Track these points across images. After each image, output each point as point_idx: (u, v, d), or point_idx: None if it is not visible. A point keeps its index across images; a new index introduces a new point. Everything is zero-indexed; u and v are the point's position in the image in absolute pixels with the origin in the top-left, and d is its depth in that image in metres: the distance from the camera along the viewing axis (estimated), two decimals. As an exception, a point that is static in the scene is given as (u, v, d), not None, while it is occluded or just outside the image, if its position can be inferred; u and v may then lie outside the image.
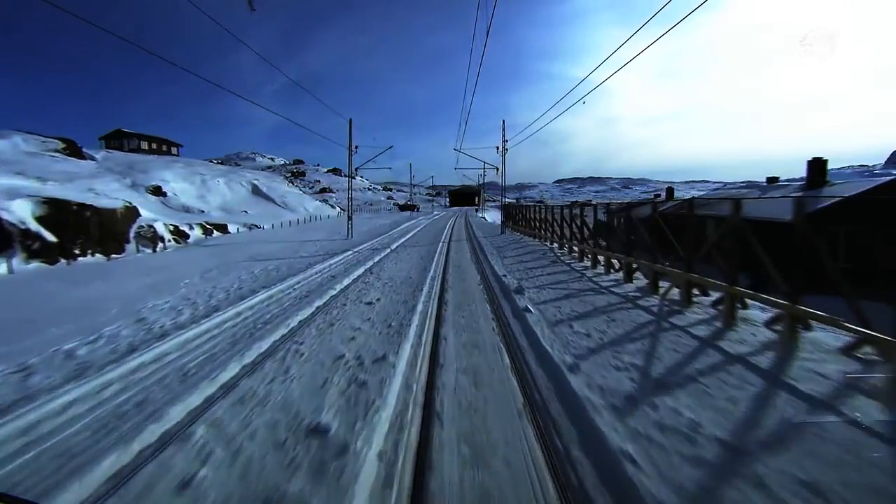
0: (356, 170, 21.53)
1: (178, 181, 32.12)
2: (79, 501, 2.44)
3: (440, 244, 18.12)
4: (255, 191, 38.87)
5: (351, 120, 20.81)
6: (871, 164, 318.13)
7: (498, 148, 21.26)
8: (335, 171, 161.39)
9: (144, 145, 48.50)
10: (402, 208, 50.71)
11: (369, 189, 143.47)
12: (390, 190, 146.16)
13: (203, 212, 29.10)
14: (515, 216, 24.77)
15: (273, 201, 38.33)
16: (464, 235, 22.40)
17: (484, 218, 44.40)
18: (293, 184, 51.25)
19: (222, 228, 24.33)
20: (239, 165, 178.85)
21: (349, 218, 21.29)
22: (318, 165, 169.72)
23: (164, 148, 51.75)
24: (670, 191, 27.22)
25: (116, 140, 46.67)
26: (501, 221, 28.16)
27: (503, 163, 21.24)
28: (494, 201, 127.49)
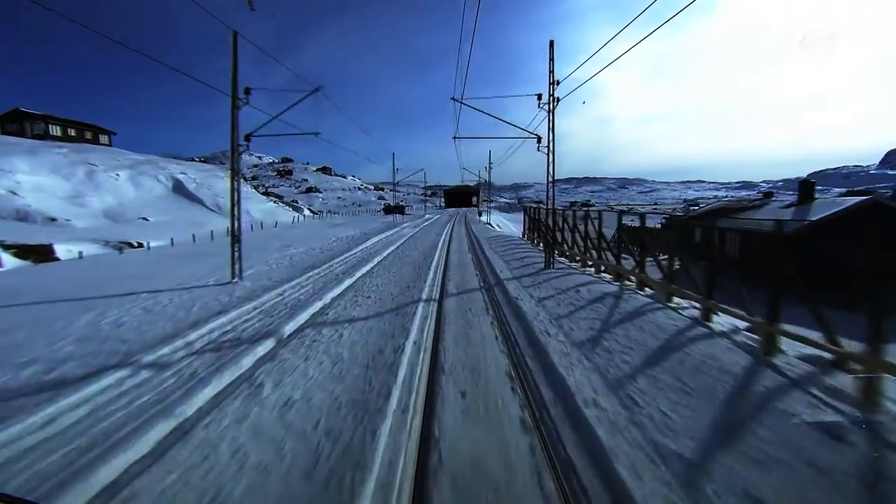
0: (242, 147, 10.32)
1: (42, 174, 21.03)
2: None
3: (417, 316, 7.00)
4: (178, 189, 27.75)
5: (236, 34, 9.77)
6: (865, 165, 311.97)
7: (539, 98, 10.27)
8: (324, 170, 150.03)
9: (56, 130, 37.08)
10: (387, 211, 39.54)
11: (360, 189, 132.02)
12: (382, 190, 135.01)
13: (55, 220, 18.02)
14: (554, 230, 13.61)
15: (201, 203, 27.25)
16: (473, 277, 11.32)
17: (489, 224, 33.14)
18: (249, 182, 39.82)
19: (39, 253, 13.20)
20: (224, 164, 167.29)
21: (233, 238, 10.10)
22: (308, 164, 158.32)
23: (88, 135, 40.30)
24: (807, 186, 16.09)
25: (15, 123, 35.26)
26: (543, 245, 17.18)
27: (551, 126, 10.15)
28: (492, 202, 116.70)
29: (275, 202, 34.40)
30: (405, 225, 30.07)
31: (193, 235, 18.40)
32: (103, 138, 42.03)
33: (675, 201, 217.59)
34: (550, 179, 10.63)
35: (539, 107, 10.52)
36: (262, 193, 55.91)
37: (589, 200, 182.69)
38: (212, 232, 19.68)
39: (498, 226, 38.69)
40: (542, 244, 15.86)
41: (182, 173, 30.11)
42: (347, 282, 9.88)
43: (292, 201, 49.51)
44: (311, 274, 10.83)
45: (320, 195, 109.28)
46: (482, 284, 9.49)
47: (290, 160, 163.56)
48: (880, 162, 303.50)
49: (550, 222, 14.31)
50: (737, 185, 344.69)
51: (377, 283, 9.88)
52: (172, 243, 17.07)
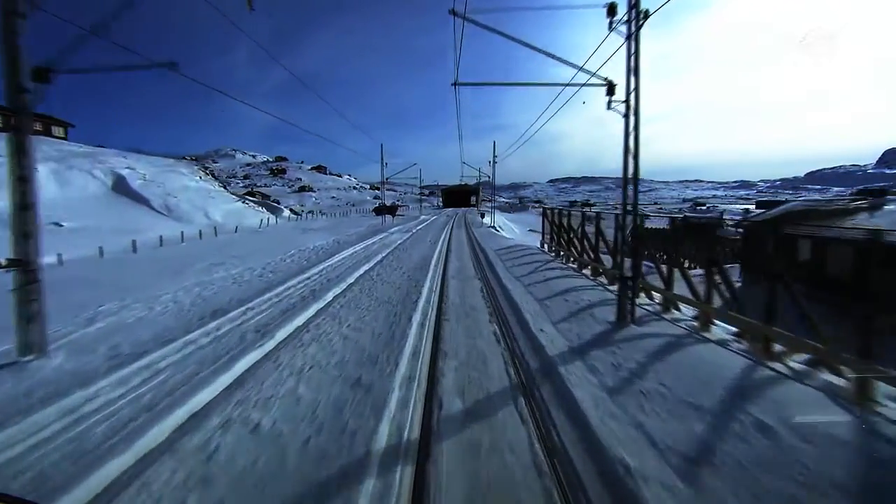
0: (29, 92, 5.64)
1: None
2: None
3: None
4: (119, 186, 22.71)
5: None
6: (862, 164, 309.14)
7: (612, 12, 5.55)
8: (319, 169, 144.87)
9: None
10: (378, 211, 34.63)
11: (355, 188, 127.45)
12: (377, 189, 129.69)
13: None
14: (639, 256, 8.76)
15: (147, 203, 22.24)
16: (492, 348, 6.35)
17: (495, 229, 28.19)
18: (213, 176, 33.99)
19: None
20: (216, 163, 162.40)
21: (21, 275, 5.32)
22: (302, 163, 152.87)
23: (38, 126, 35.18)
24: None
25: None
26: (616, 282, 12.32)
27: (633, 64, 5.42)
28: (490, 201, 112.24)
29: (244, 202, 29.24)
30: (394, 229, 25.15)
31: (101, 248, 13.43)
32: (57, 130, 36.80)
33: (675, 200, 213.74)
34: (632, 156, 5.69)
35: (611, 28, 5.62)
36: (245, 193, 50.82)
37: (588, 200, 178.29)
38: (133, 242, 14.72)
39: (500, 228, 33.70)
40: (587, 268, 10.98)
41: (128, 168, 24.94)
42: (251, 357, 5.00)
43: (273, 200, 44.44)
44: (200, 333, 5.93)
45: (313, 194, 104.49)
46: (517, 376, 4.56)
47: (284, 159, 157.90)
48: (877, 161, 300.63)
49: (597, 236, 9.53)
50: (735, 184, 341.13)
51: (305, 361, 4.98)
52: (60, 261, 12.09)
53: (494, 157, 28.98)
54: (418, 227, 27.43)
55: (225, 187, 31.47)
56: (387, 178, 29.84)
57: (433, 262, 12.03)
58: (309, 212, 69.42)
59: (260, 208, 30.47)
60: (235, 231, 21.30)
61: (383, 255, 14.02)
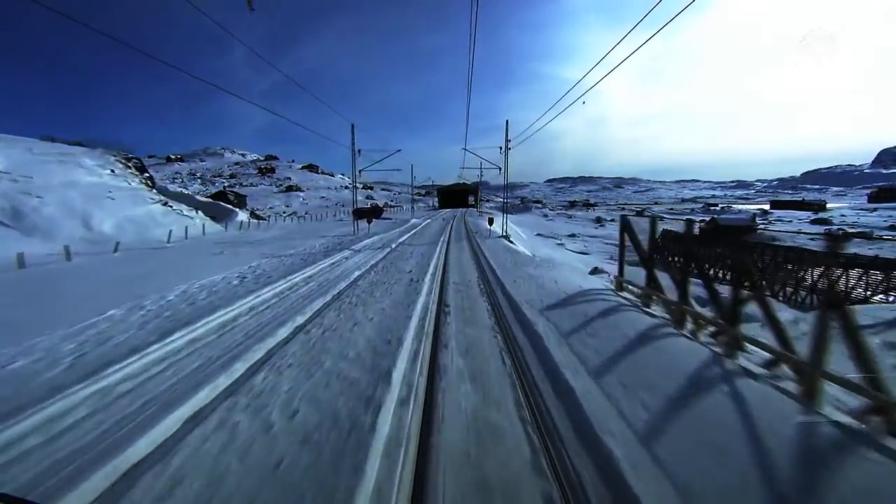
0: None
1: None
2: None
3: None
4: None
5: None
6: (858, 164, 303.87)
7: None
8: (311, 168, 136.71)
9: None
10: (359, 215, 26.75)
11: (346, 187, 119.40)
12: (371, 189, 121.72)
13: None
14: None
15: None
16: None
17: (505, 238, 20.21)
18: (138, 170, 25.36)
19: None
20: (203, 161, 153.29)
21: None
22: (293, 161, 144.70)
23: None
24: None
25: None
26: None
27: None
28: (490, 201, 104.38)
29: (166, 205, 21.33)
30: (366, 243, 17.34)
31: None
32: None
33: (673, 200, 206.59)
34: None
35: None
36: (215, 194, 42.74)
37: (588, 200, 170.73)
38: None
39: (506, 237, 25.47)
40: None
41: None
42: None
43: (236, 203, 36.47)
44: None
45: (301, 194, 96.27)
46: None
47: (274, 157, 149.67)
48: (873, 161, 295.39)
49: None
50: (732, 184, 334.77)
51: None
52: None
53: (507, 140, 21.14)
54: (402, 239, 19.67)
55: (152, 185, 23.52)
56: (360, 171, 22.15)
57: (401, 367, 4.28)
58: (292, 213, 61.21)
59: (193, 211, 22.52)
60: (115, 250, 13.53)
61: (304, 320, 6.28)
